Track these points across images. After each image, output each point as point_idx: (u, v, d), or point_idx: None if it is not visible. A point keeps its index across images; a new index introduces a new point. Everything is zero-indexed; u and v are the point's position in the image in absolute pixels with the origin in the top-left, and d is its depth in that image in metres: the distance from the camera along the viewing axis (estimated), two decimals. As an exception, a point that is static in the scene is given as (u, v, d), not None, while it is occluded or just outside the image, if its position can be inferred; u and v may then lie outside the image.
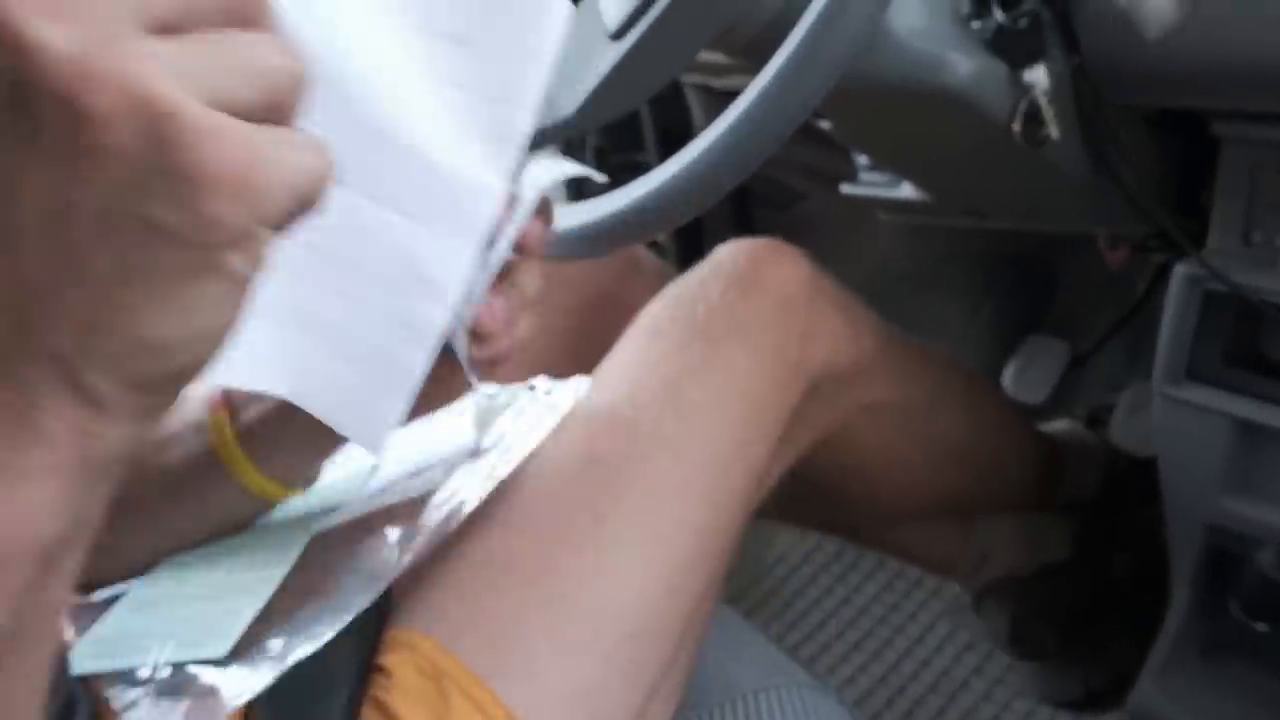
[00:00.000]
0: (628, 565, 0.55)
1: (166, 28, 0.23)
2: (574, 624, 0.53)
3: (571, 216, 0.61)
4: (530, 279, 0.47)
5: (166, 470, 0.52)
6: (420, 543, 0.50)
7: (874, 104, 0.65)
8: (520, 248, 0.45)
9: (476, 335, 0.45)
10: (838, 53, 0.45)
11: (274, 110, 0.24)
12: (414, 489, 0.55)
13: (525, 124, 0.40)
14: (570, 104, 0.62)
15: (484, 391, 0.60)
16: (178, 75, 0.22)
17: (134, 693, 0.46)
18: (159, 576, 0.53)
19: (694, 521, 0.58)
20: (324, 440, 0.51)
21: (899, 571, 1.12)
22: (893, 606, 1.11)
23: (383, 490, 0.56)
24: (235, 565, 0.52)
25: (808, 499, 0.81)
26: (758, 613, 1.11)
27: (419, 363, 0.39)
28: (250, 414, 0.51)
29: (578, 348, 0.71)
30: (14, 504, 0.24)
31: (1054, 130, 0.60)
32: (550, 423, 0.57)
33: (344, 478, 0.58)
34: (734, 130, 0.49)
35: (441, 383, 0.45)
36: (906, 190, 0.80)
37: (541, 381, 0.62)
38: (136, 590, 0.52)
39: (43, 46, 0.21)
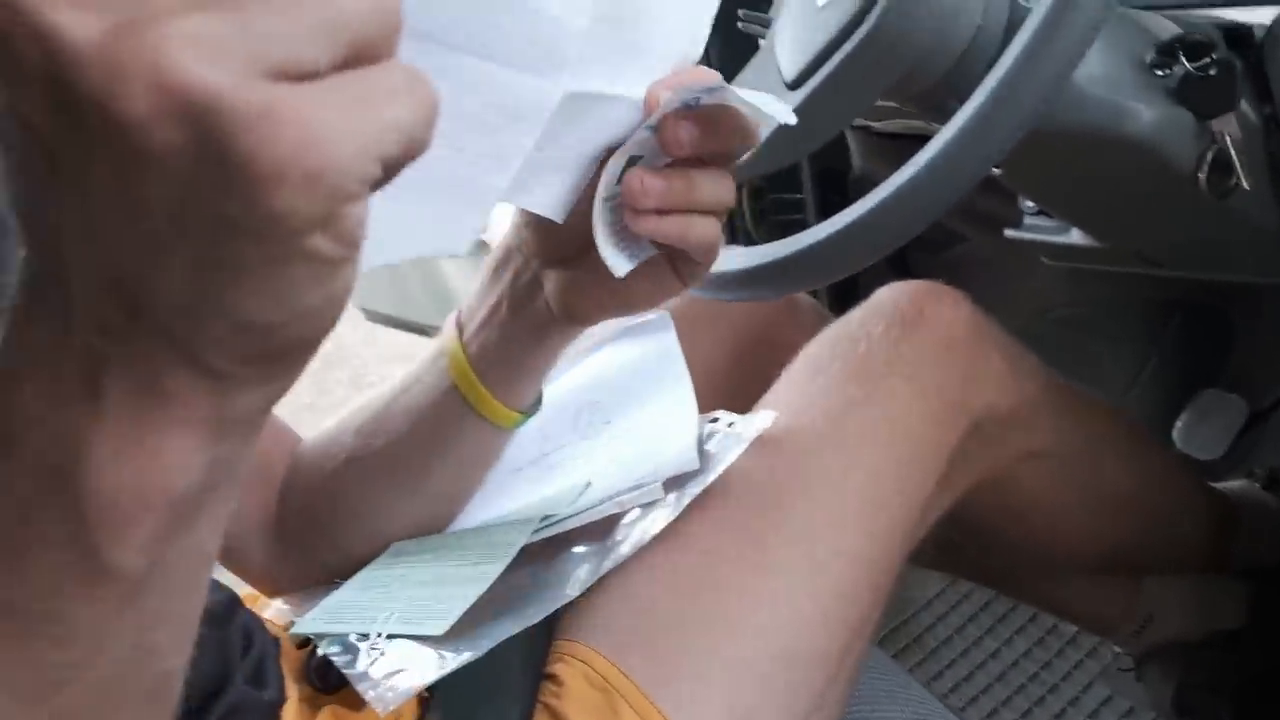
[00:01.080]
0: (786, 589, 0.57)
1: None
2: (735, 643, 0.54)
3: (743, 259, 0.63)
4: (710, 187, 0.44)
5: (411, 410, 0.57)
6: (606, 563, 0.53)
7: (1049, 150, 0.65)
8: (671, 146, 0.42)
9: (627, 205, 0.44)
10: (1030, 104, 0.46)
11: (358, 61, 0.21)
12: (630, 502, 0.58)
13: (683, 42, 0.41)
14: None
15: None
16: (221, 52, 0.19)
17: (349, 655, 0.51)
18: (386, 563, 0.58)
19: (852, 551, 0.59)
20: (541, 357, 0.55)
21: (1052, 627, 1.08)
22: (1045, 664, 1.07)
23: (600, 501, 0.59)
24: (455, 560, 0.56)
25: (963, 544, 0.80)
26: (903, 658, 1.09)
27: (501, 183, 0.39)
28: (475, 341, 0.55)
29: (735, 384, 0.73)
30: (151, 454, 0.24)
31: (1244, 181, 0.58)
32: (736, 452, 0.59)
33: (558, 492, 0.62)
34: (918, 180, 0.50)
35: (647, 279, 0.48)
36: (1075, 236, 0.78)
37: (725, 414, 0.64)
38: (365, 573, 0.58)
39: (67, 38, 0.19)
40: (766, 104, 0.41)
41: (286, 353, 0.24)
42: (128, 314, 0.22)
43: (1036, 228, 0.81)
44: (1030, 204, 0.82)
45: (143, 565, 0.25)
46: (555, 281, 0.51)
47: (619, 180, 0.43)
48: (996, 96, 0.47)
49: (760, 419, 0.62)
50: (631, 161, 0.43)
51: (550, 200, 0.45)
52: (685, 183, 0.43)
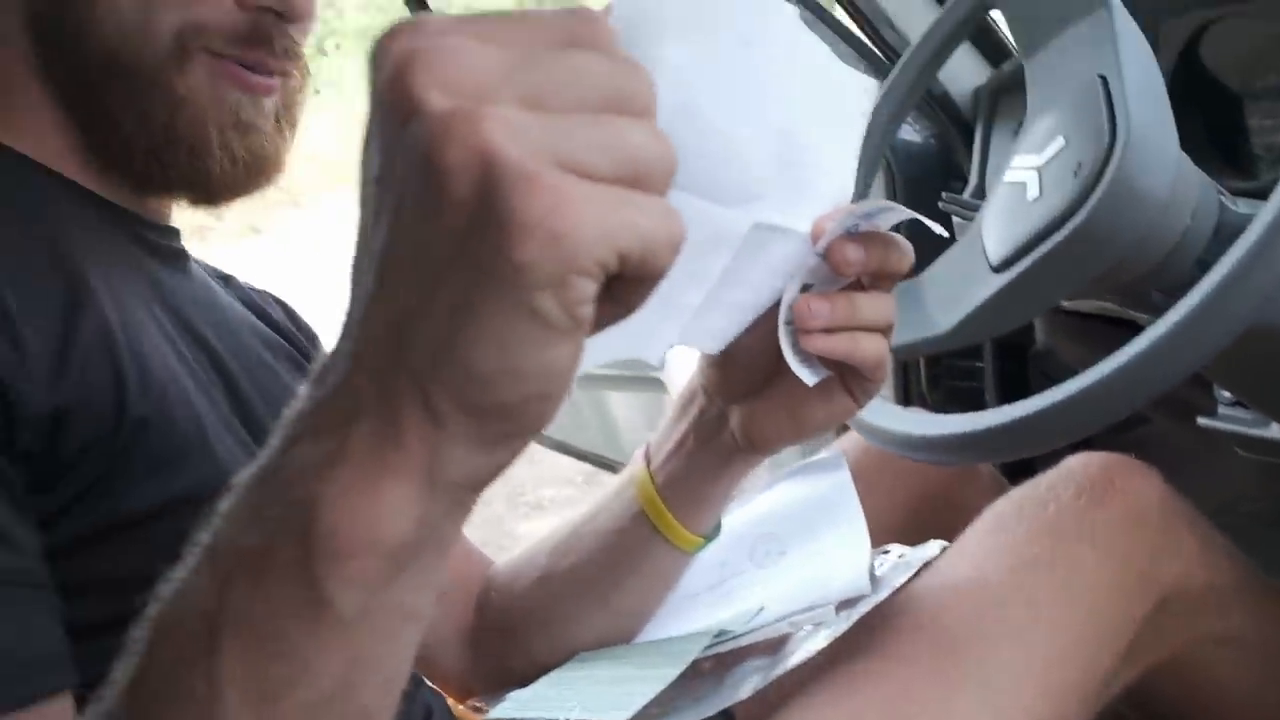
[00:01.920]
0: None
1: (536, 104, 0.26)
2: None
3: (933, 426, 0.66)
4: (872, 306, 0.48)
5: (601, 532, 0.62)
6: (776, 670, 0.55)
7: (1257, 347, 0.65)
8: (839, 266, 0.46)
9: (798, 328, 0.48)
10: (1245, 308, 0.48)
11: (634, 183, 0.26)
12: (801, 622, 0.60)
13: (840, 182, 0.45)
14: (946, 322, 0.68)
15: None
16: (521, 137, 0.25)
17: None
18: (572, 667, 0.63)
19: (1032, 708, 0.58)
20: (724, 485, 0.59)
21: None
22: None
23: (774, 621, 0.62)
24: (636, 664, 0.59)
25: (1143, 724, 0.77)
26: None
27: (694, 301, 0.44)
28: (663, 471, 0.59)
29: (909, 540, 0.75)
30: (370, 498, 0.28)
31: None
32: (906, 576, 0.61)
33: (733, 615, 0.65)
34: (1127, 369, 0.52)
35: (823, 401, 0.51)
36: (1276, 430, 0.77)
37: (895, 546, 0.66)
38: (553, 674, 0.62)
39: (428, 109, 0.25)
40: (922, 219, 0.46)
41: (499, 411, 0.27)
42: (394, 354, 0.27)
43: (1233, 418, 0.80)
44: (1227, 394, 0.81)
45: (353, 604, 0.28)
46: (738, 414, 0.55)
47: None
48: (1214, 297, 0.49)
49: (930, 548, 0.64)
50: (805, 289, 0.48)
51: (712, 340, 0.50)
52: (848, 303, 0.47)
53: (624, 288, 0.28)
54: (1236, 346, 0.67)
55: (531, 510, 2.58)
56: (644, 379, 1.61)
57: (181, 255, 0.62)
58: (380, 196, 0.27)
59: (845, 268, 0.46)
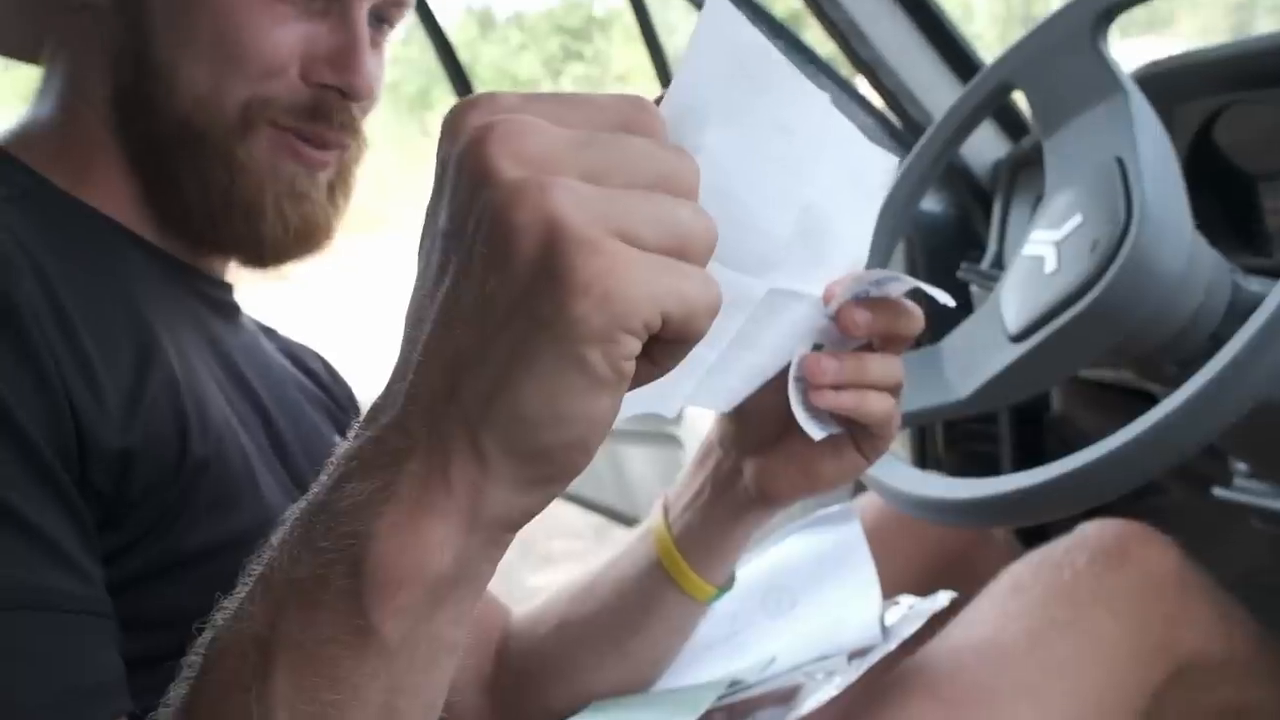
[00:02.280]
0: None
1: (596, 179, 0.29)
2: None
3: (947, 489, 0.67)
4: (880, 367, 0.50)
5: (618, 580, 0.63)
6: (789, 717, 0.56)
7: (1271, 420, 0.67)
8: (848, 327, 0.48)
9: (808, 383, 0.50)
10: (1260, 382, 0.50)
11: (678, 254, 0.30)
12: (813, 672, 0.62)
13: (855, 250, 0.48)
14: (964, 389, 0.70)
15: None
16: (584, 206, 0.28)
17: None
18: (590, 712, 0.63)
19: None
20: (738, 537, 0.60)
21: None
22: None
23: (786, 671, 0.63)
24: (651, 712, 0.61)
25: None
26: None
27: (710, 357, 0.46)
28: (680, 522, 0.61)
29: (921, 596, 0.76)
30: (416, 534, 0.30)
31: None
32: (916, 625, 0.62)
33: (746, 666, 0.66)
34: (1143, 439, 0.54)
35: (834, 458, 0.53)
36: (1292, 504, 0.78)
37: (905, 597, 0.67)
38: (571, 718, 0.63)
39: (502, 178, 0.29)
40: (929, 289, 0.48)
41: (541, 455, 0.30)
42: (449, 392, 0.30)
43: (1249, 490, 0.81)
44: (1243, 465, 0.82)
45: (398, 633, 0.30)
46: (752, 467, 0.57)
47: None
48: (1228, 372, 0.51)
49: (939, 599, 0.65)
50: (817, 349, 0.50)
51: (724, 400, 0.53)
52: (856, 362, 0.49)
53: (661, 348, 0.31)
54: (1251, 420, 0.69)
55: (542, 562, 2.58)
56: (658, 434, 1.63)
57: (234, 308, 0.65)
58: (447, 249, 0.30)
59: (854, 329, 0.48)
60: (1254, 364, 0.51)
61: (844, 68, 1.35)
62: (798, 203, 0.42)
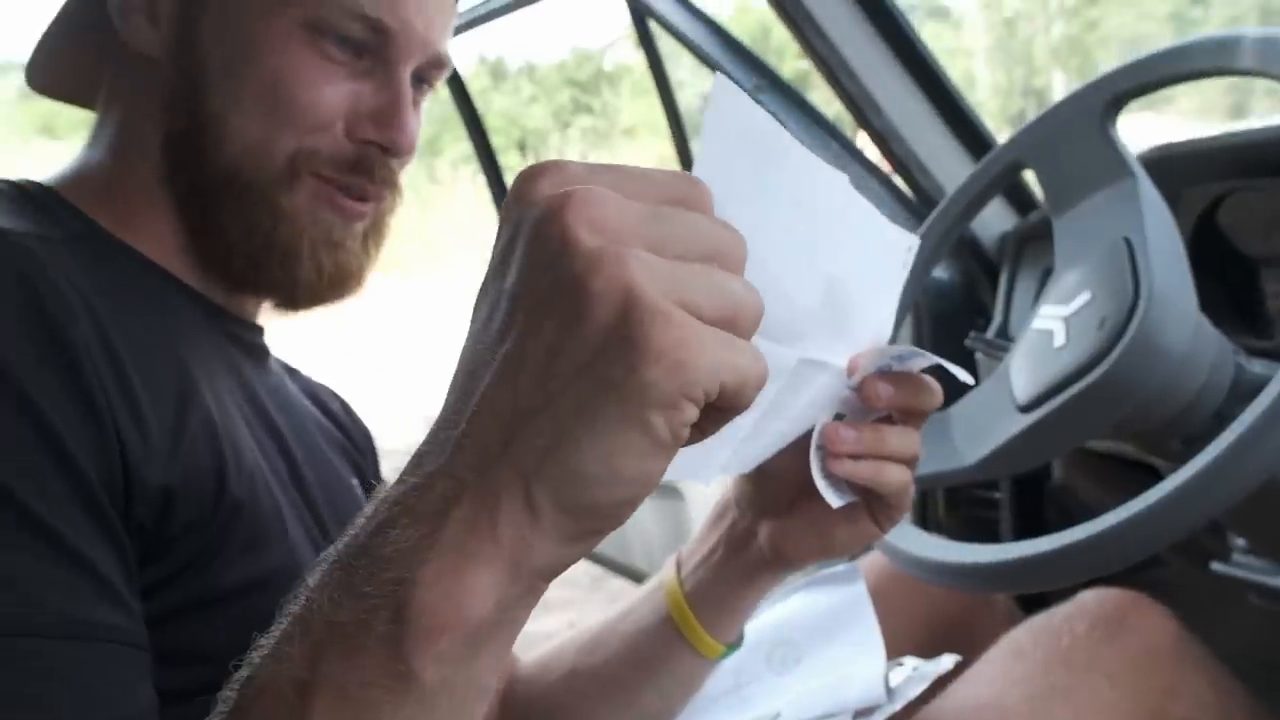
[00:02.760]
0: None
1: (660, 250, 0.31)
2: None
3: (954, 553, 0.69)
4: (898, 439, 0.51)
5: (630, 634, 0.64)
6: None
7: (1273, 498, 0.68)
8: (871, 399, 0.50)
9: (827, 451, 0.51)
10: (1265, 462, 0.51)
11: (730, 325, 0.32)
12: None
13: (880, 325, 0.50)
14: (972, 456, 0.71)
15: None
16: (657, 278, 0.30)
17: None
18: None
19: None
20: (750, 597, 0.61)
21: None
22: None
23: None
24: None
25: None
26: None
27: (747, 425, 0.47)
28: (692, 579, 0.61)
29: (923, 657, 0.77)
30: (460, 582, 0.31)
31: None
32: (920, 688, 0.63)
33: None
34: (1152, 511, 0.55)
35: (849, 524, 0.54)
36: (1290, 582, 0.79)
37: (909, 659, 0.68)
38: None
39: (581, 246, 0.30)
40: (951, 366, 0.49)
41: (590, 512, 0.31)
42: (502, 445, 0.31)
43: (1248, 566, 0.82)
44: (1241, 541, 0.83)
45: (436, 677, 0.31)
46: (768, 529, 0.58)
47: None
48: (1232, 451, 0.53)
49: (943, 661, 0.66)
50: (838, 419, 0.51)
51: (746, 464, 0.54)
52: (875, 433, 0.51)
53: (708, 416, 0.32)
54: (1252, 497, 0.71)
55: (539, 609, 2.56)
56: (660, 487, 1.64)
57: (264, 350, 0.66)
58: (514, 308, 0.32)
59: (876, 401, 0.50)
60: (1259, 444, 0.52)
61: (847, 126, 1.39)
62: (822, 276, 0.44)
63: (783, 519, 0.57)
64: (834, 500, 0.52)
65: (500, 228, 0.34)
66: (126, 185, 0.58)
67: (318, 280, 0.61)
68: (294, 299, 0.63)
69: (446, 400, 0.34)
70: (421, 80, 0.62)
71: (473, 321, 0.34)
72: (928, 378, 0.51)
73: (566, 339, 0.30)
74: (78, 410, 0.43)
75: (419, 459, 0.33)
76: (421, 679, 0.31)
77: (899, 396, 0.50)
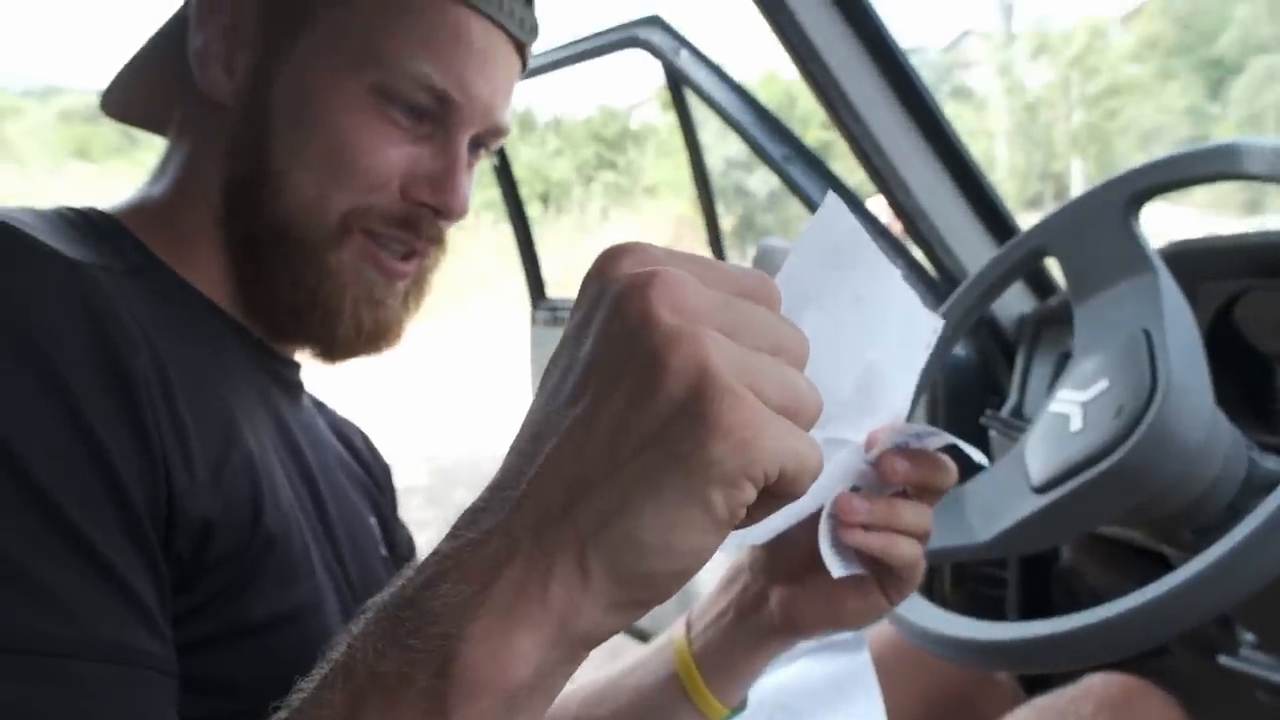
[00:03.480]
0: None
1: (733, 337, 0.32)
2: None
3: (963, 629, 0.69)
4: (911, 513, 0.52)
5: (634, 689, 0.64)
6: None
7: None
8: (887, 474, 0.51)
9: (839, 521, 0.52)
10: (1277, 559, 0.52)
11: (790, 415, 0.33)
12: None
13: (900, 401, 0.51)
14: (985, 534, 0.72)
15: None
16: (730, 360, 0.31)
17: None
18: None
19: None
20: (757, 661, 0.61)
21: None
22: None
23: None
24: None
25: None
26: None
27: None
28: (701, 639, 0.62)
29: None
30: (508, 642, 0.31)
31: None
32: None
33: None
34: (1156, 603, 0.56)
35: (859, 596, 0.55)
36: (1297, 680, 0.79)
37: None
38: None
39: (662, 322, 0.32)
40: (967, 447, 0.50)
41: (643, 580, 0.32)
42: (563, 508, 0.31)
43: (1256, 661, 0.82)
44: (1250, 635, 0.84)
45: None
46: (779, 595, 0.59)
47: None
48: (1246, 546, 0.54)
49: None
50: (854, 490, 0.52)
51: (763, 535, 0.55)
52: (888, 506, 0.51)
53: (759, 501, 0.33)
54: (1263, 593, 0.71)
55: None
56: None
57: (299, 387, 0.68)
58: (587, 375, 0.33)
59: (892, 476, 0.51)
60: (1272, 538, 0.53)
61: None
62: (861, 364, 0.46)
63: (795, 586, 0.58)
64: (836, 570, 0.53)
65: (579, 299, 0.35)
66: (185, 222, 0.60)
67: (355, 338, 0.62)
68: (331, 352, 0.64)
69: (507, 460, 0.35)
70: (479, 145, 0.64)
71: (543, 386, 0.35)
72: (944, 457, 0.52)
73: (637, 410, 0.31)
74: (132, 440, 0.44)
75: (474, 515, 0.34)
76: None
77: (915, 473, 0.51)
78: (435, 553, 0.34)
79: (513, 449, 0.35)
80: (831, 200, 0.40)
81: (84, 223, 0.57)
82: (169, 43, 0.63)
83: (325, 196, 0.58)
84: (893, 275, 0.44)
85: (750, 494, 0.32)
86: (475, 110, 0.61)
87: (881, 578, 0.55)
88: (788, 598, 0.59)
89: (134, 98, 0.67)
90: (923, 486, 0.53)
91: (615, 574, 0.32)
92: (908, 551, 0.52)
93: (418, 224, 0.61)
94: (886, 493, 0.53)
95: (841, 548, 0.53)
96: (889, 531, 0.52)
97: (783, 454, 0.32)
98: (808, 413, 0.34)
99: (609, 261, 0.34)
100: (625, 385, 0.32)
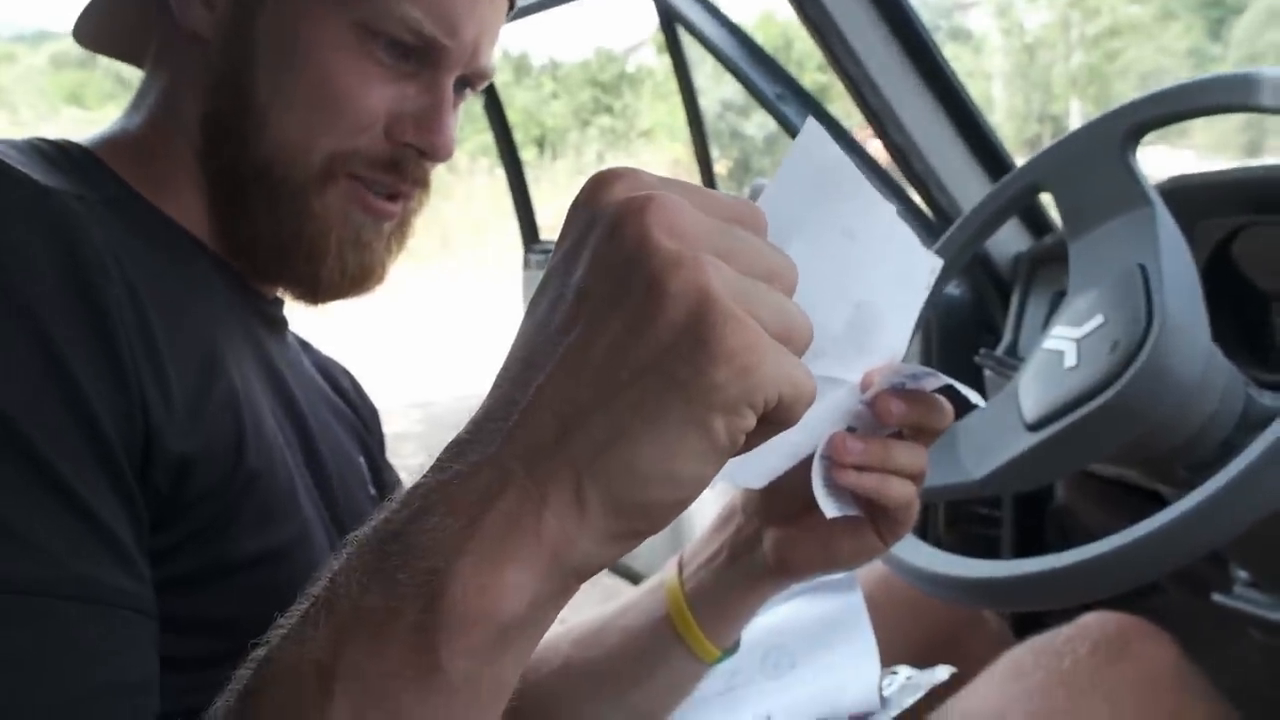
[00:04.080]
0: None
1: (729, 262, 0.32)
2: None
3: (958, 568, 0.69)
4: (906, 454, 0.51)
5: (626, 630, 0.64)
6: None
7: (1278, 531, 0.69)
8: (883, 415, 0.50)
9: (833, 461, 0.52)
10: (1271, 494, 0.52)
11: (784, 341, 0.32)
12: None
13: (896, 342, 0.51)
14: (979, 471, 0.72)
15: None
16: (729, 285, 0.31)
17: None
18: None
19: None
20: (750, 603, 0.61)
21: None
22: None
23: None
24: None
25: None
26: None
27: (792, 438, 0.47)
28: (693, 580, 0.62)
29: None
30: (498, 575, 0.30)
31: None
32: (914, 698, 0.63)
33: None
34: (1149, 538, 0.56)
35: (853, 538, 0.54)
36: (1291, 615, 0.79)
37: (903, 668, 0.69)
38: None
39: (660, 247, 0.31)
40: (963, 388, 0.50)
41: (640, 509, 0.31)
42: (557, 437, 0.31)
43: (1250, 599, 0.82)
44: (1244, 573, 0.84)
45: (461, 673, 0.30)
46: (773, 537, 0.59)
47: None
48: (1240, 481, 0.53)
49: (938, 672, 0.66)
50: (849, 431, 0.52)
51: (759, 477, 0.54)
52: (882, 447, 0.51)
53: (756, 429, 0.32)
54: (1256, 529, 0.71)
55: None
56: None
57: (284, 323, 0.67)
58: (580, 302, 0.32)
59: (887, 417, 0.50)
60: (1267, 475, 0.53)
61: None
62: (852, 300, 0.45)
63: (788, 528, 0.58)
64: (830, 510, 0.52)
65: (566, 226, 0.34)
66: (162, 154, 0.59)
67: (339, 279, 0.61)
68: (314, 294, 0.63)
69: (493, 391, 0.34)
70: (464, 85, 0.63)
71: (530, 314, 0.34)
72: (940, 398, 0.52)
73: (636, 336, 0.31)
74: (105, 373, 0.43)
75: (460, 447, 0.33)
76: (447, 672, 0.31)
77: (910, 414, 0.50)
78: (419, 486, 0.33)
79: (499, 379, 0.34)
80: (811, 126, 0.39)
81: (59, 154, 0.56)
82: None
83: (309, 138, 0.57)
84: (887, 211, 0.43)
85: (751, 420, 0.31)
86: (463, 53, 0.59)
87: (875, 519, 0.54)
88: (781, 539, 0.58)
89: (107, 26, 0.65)
90: (918, 427, 0.52)
91: (612, 504, 0.31)
92: (902, 492, 0.52)
93: (403, 166, 0.60)
94: (882, 434, 0.53)
95: (835, 489, 0.52)
96: (883, 472, 0.51)
97: (781, 380, 0.31)
98: (801, 339, 0.33)
99: (600, 187, 0.33)
100: (622, 311, 0.31)
